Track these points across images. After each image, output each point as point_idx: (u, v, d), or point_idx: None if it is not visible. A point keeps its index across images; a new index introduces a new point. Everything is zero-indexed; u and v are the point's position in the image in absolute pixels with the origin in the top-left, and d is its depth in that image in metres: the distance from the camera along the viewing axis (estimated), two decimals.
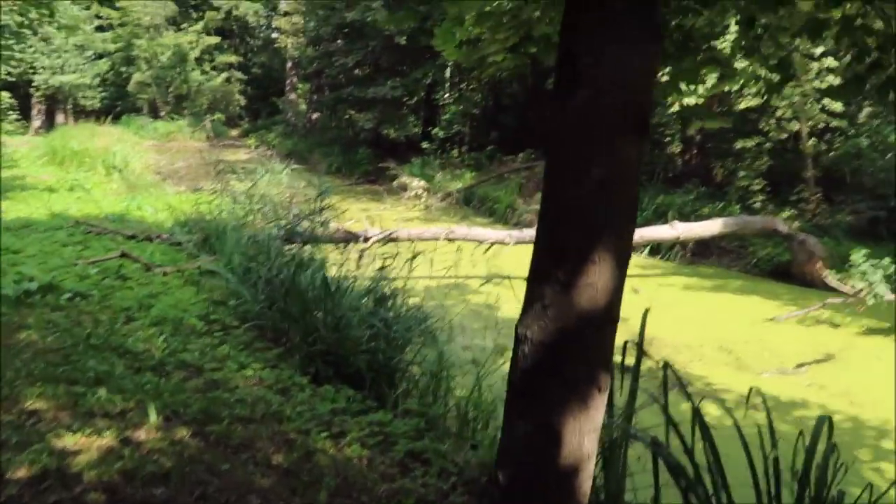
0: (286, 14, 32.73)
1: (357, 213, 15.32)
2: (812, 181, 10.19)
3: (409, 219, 14.64)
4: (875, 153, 9.83)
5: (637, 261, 10.92)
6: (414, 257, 5.45)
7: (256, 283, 6.09)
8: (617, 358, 6.90)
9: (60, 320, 4.99)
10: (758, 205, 10.87)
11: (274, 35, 36.73)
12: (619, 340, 7.74)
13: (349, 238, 8.71)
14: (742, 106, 9.79)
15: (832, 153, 10.12)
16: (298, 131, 33.63)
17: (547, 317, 1.91)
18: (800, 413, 5.41)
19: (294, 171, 25.97)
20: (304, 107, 38.46)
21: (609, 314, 1.98)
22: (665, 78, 3.53)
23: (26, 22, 10.76)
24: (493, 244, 9.05)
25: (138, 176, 16.02)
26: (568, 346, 1.92)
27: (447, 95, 19.40)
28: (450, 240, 9.03)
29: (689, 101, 10.09)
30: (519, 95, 22.35)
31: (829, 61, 9.30)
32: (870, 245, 9.48)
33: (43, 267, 6.45)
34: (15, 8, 9.69)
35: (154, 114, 39.70)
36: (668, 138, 17.17)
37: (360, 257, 7.52)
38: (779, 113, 10.03)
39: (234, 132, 43.90)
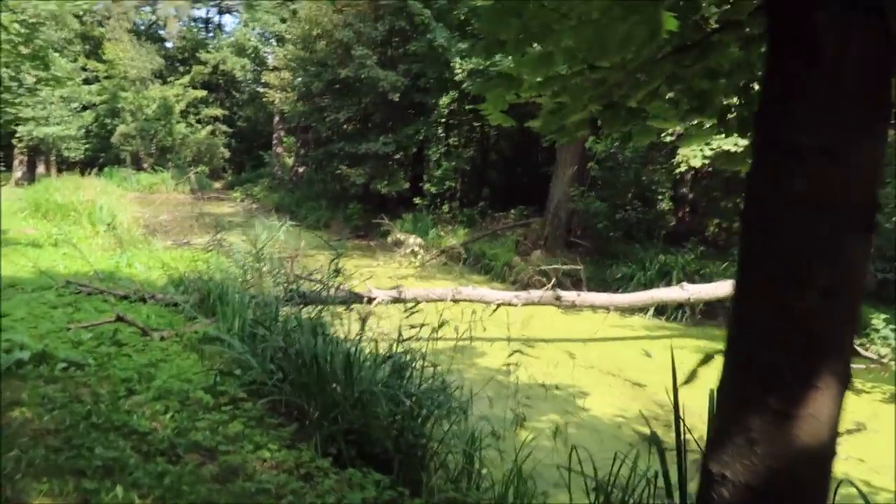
0: (275, 69, 32.98)
1: (351, 269, 15.02)
2: None
3: (405, 276, 14.37)
4: (880, 216, 9.85)
5: (644, 322, 10.72)
6: (440, 326, 5.14)
7: (264, 350, 5.74)
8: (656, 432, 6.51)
9: (57, 395, 4.58)
10: None
11: (261, 89, 36.87)
12: (635, 406, 7.36)
13: (353, 299, 8.39)
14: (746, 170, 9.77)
15: None
16: (285, 185, 33.48)
17: (755, 454, 1.58)
18: (845, 490, 5.10)
19: (283, 225, 25.65)
20: (290, 160, 38.48)
21: (832, 449, 1.65)
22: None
23: (21, 75, 10.57)
24: (499, 305, 8.80)
25: (125, 230, 15.61)
26: (783, 489, 1.57)
27: (439, 151, 19.40)
28: (456, 301, 8.75)
29: (695, 162, 10.11)
30: (505, 151, 22.51)
31: None
32: (880, 307, 9.38)
33: (33, 332, 6.04)
34: (10, 62, 9.49)
35: (137, 166, 39.47)
36: (659, 196, 17.26)
37: (366, 319, 7.23)
38: None
39: (218, 185, 43.74)
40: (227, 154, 43.58)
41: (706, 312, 10.49)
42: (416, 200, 19.25)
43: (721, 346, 7.92)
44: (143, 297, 8.23)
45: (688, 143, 3.78)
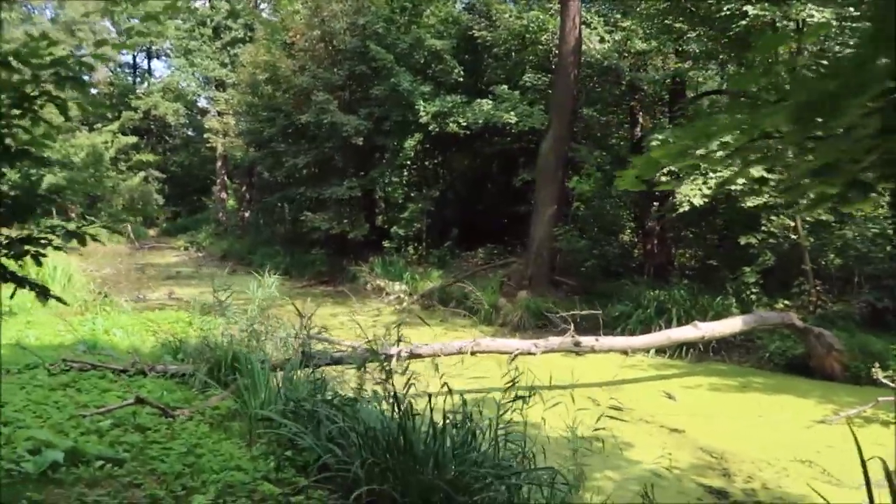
0: (220, 114, 32.18)
1: (327, 318, 14.46)
2: (811, 274, 10.45)
3: (389, 323, 13.91)
4: (861, 245, 10.26)
5: (649, 361, 10.67)
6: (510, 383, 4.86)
7: (318, 428, 5.30)
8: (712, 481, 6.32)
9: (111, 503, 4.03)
10: (753, 297, 11.01)
11: (194, 133, 35.81)
12: (683, 454, 7.18)
13: (369, 358, 7.97)
14: (749, 204, 10.06)
15: (824, 246, 10.49)
16: (231, 231, 32.41)
17: None
18: None
19: (235, 274, 24.69)
20: (232, 205, 37.41)
21: None
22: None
23: None
24: (517, 354, 8.56)
25: (80, 290, 14.57)
26: None
27: (403, 193, 19.18)
28: (474, 353, 8.47)
29: (696, 201, 10.26)
30: (469, 192, 22.49)
31: None
32: (880, 334, 9.68)
33: (46, 424, 5.38)
34: None
35: (65, 216, 37.48)
36: (628, 231, 17.55)
37: (388, 378, 6.85)
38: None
39: (152, 232, 42.07)
40: (161, 201, 42.03)
41: (708, 349, 10.57)
42: (385, 244, 18.89)
43: (731, 381, 7.95)
44: (143, 369, 7.56)
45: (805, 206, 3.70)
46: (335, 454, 4.91)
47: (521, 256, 15.82)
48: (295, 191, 20.83)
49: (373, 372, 7.05)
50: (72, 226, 2.85)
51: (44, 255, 2.79)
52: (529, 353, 8.61)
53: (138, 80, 48.24)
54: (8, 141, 2.66)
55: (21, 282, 2.77)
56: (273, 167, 22.18)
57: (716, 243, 14.00)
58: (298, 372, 6.96)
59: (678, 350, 10.51)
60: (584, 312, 10.28)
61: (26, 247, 2.66)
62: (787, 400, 8.64)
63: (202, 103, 43.32)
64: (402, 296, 14.67)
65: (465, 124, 17.20)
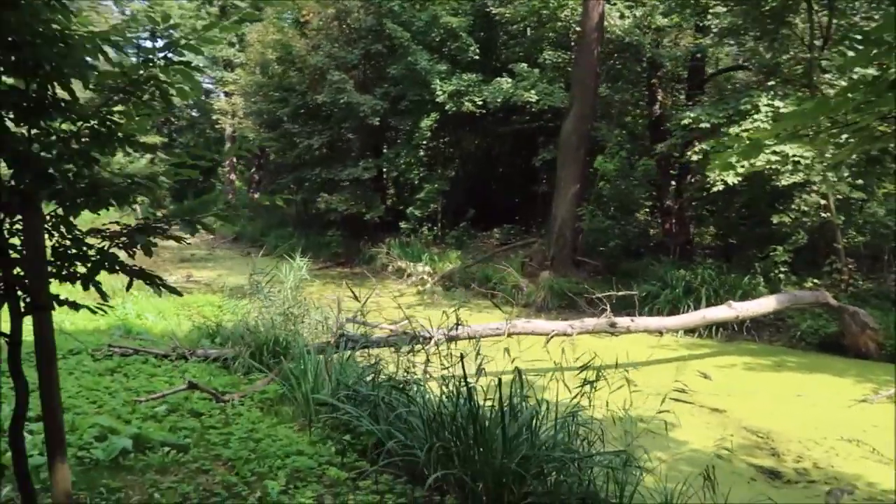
0: (228, 95, 31.95)
1: (349, 301, 14.45)
2: (843, 252, 10.39)
3: (411, 304, 13.93)
4: (892, 222, 10.20)
5: (679, 341, 10.65)
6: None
7: (374, 412, 5.30)
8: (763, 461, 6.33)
9: (188, 490, 4.05)
10: (781, 276, 10.97)
11: (212, 116, 35.54)
12: (723, 433, 7.15)
13: (408, 341, 7.97)
14: (784, 183, 9.97)
15: (856, 224, 10.43)
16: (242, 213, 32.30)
17: None
18: None
19: (249, 256, 24.68)
20: (241, 186, 37.31)
21: None
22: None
23: None
24: (553, 335, 8.57)
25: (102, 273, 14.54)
26: None
27: (420, 174, 19.08)
28: (510, 335, 8.46)
29: (731, 180, 10.18)
30: (477, 172, 22.35)
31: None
32: None
33: (106, 410, 5.40)
34: None
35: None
36: (646, 209, 17.45)
37: (428, 361, 6.85)
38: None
39: (159, 214, 41.91)
40: (168, 183, 41.67)
41: (738, 328, 10.55)
42: (402, 224, 18.84)
43: (765, 361, 7.89)
44: (184, 354, 7.59)
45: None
46: (396, 438, 4.92)
47: (542, 237, 15.76)
48: (308, 172, 20.70)
49: (412, 354, 7.09)
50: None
51: (154, 245, 2.77)
52: (565, 335, 8.60)
53: (141, 59, 47.79)
54: (113, 126, 2.63)
55: (135, 273, 2.75)
56: (286, 148, 22.04)
57: (737, 222, 13.91)
58: (340, 355, 6.97)
59: (708, 330, 10.49)
60: (620, 293, 10.27)
61: (145, 236, 2.64)
62: (823, 379, 8.64)
63: (206, 84, 42.92)
64: (425, 277, 14.65)
65: (481, 103, 17.04)
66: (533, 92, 15.58)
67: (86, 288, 2.79)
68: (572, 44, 16.84)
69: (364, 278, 17.38)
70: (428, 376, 5.98)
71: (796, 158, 9.48)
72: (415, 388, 5.49)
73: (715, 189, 10.28)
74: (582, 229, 14.00)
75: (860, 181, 10.14)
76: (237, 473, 4.40)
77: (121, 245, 2.67)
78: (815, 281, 10.89)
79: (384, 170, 19.80)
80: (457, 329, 8.59)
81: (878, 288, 10.14)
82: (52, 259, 2.70)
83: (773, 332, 10.46)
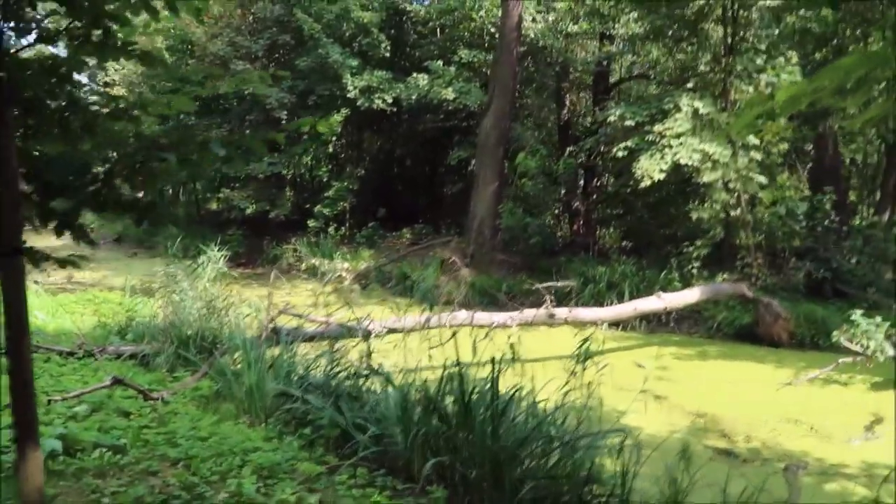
0: (108, 84, 29.50)
1: (261, 300, 13.61)
2: (753, 248, 10.96)
3: (328, 303, 13.29)
4: (795, 219, 10.92)
5: (604, 334, 10.77)
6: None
7: (337, 402, 4.85)
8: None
9: (140, 493, 3.45)
10: (694, 272, 11.43)
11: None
12: (670, 418, 7.25)
13: (349, 333, 7.49)
14: (706, 179, 10.37)
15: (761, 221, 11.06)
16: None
17: None
18: None
19: (136, 257, 22.99)
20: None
21: None
22: None
23: None
24: (493, 327, 8.38)
25: None
26: None
27: (328, 171, 18.47)
28: (452, 326, 8.17)
29: (656, 175, 10.47)
30: (387, 171, 22.02)
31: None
32: (820, 303, 10.32)
33: None
34: None
35: None
36: (556, 209, 17.82)
37: (370, 353, 6.47)
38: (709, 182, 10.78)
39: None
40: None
41: (658, 321, 10.86)
42: (311, 223, 18.10)
43: (689, 350, 8.11)
44: (92, 351, 6.69)
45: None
46: (365, 429, 4.51)
47: (458, 235, 15.65)
48: (206, 168, 19.45)
49: (348, 348, 6.66)
50: None
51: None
52: (506, 326, 8.45)
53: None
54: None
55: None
56: (182, 142, 20.60)
57: (645, 222, 14.41)
58: (282, 347, 6.43)
59: (630, 324, 10.71)
60: (560, 284, 10.27)
61: None
62: (746, 366, 9.02)
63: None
64: (343, 274, 14.08)
65: (391, 101, 16.76)
66: (450, 90, 15.46)
67: None
68: (486, 45, 16.94)
69: (268, 279, 16.48)
70: (381, 367, 5.59)
71: (715, 157, 9.93)
72: (379, 378, 5.09)
73: (642, 185, 10.57)
74: (500, 227, 14.00)
75: (765, 180, 10.78)
76: (194, 473, 3.82)
77: None
78: (725, 276, 11.43)
79: (293, 166, 18.97)
80: (395, 322, 8.25)
81: (787, 281, 10.78)
82: None
83: (692, 323, 10.86)
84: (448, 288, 13.44)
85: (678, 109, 10.39)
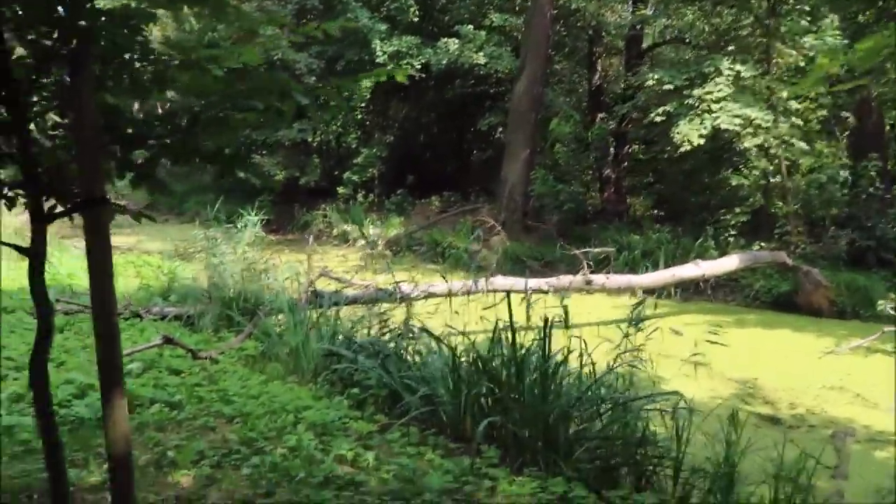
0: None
1: (300, 265, 13.75)
2: (793, 215, 10.74)
3: (359, 269, 13.38)
4: (835, 187, 10.66)
5: (634, 301, 10.70)
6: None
7: (384, 363, 4.88)
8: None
9: (201, 448, 3.51)
10: (731, 240, 11.27)
11: None
12: (712, 385, 7.19)
13: (386, 297, 7.54)
14: (747, 145, 10.14)
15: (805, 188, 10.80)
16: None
17: None
18: None
19: (168, 223, 23.29)
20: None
21: None
22: None
23: None
24: (530, 294, 8.35)
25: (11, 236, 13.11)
26: None
27: (357, 138, 18.39)
28: (489, 292, 8.17)
29: (695, 140, 10.27)
30: (416, 137, 21.88)
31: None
32: (862, 272, 10.12)
33: (72, 367, 4.70)
34: None
35: None
36: (586, 177, 17.61)
37: (410, 317, 6.49)
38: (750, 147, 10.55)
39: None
40: None
41: (694, 289, 10.73)
42: (340, 189, 18.11)
43: (727, 318, 7.89)
44: (138, 312, 6.81)
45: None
46: (415, 390, 4.53)
47: (489, 202, 15.55)
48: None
49: (388, 312, 6.68)
50: None
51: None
52: (542, 291, 8.42)
53: None
54: None
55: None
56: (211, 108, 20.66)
57: (679, 189, 14.18)
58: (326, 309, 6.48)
59: (665, 291, 10.59)
60: (598, 250, 10.17)
61: None
62: (785, 334, 8.91)
63: None
64: (376, 240, 14.10)
65: (420, 67, 16.56)
66: (481, 55, 15.22)
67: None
68: (517, 7, 16.62)
69: (301, 245, 16.62)
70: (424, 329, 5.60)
71: (757, 122, 9.68)
72: (428, 340, 5.10)
73: (681, 150, 10.37)
74: (532, 194, 13.88)
75: (806, 146, 10.52)
76: (251, 429, 3.88)
77: None
78: (762, 244, 11.24)
79: (321, 133, 18.93)
80: (432, 287, 8.27)
81: (822, 250, 10.57)
82: None
83: (728, 292, 10.73)
84: (480, 255, 13.42)
85: (719, 73, 10.13)
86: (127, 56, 2.39)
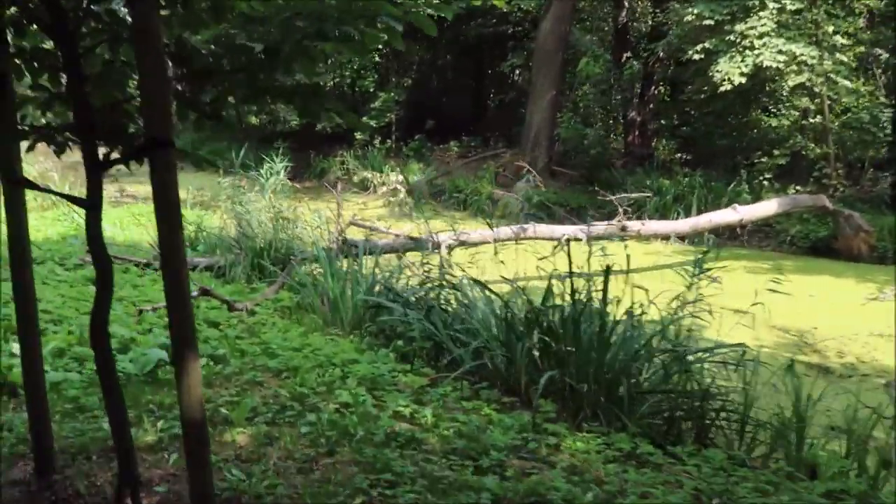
0: None
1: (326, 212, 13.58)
2: (833, 157, 10.35)
3: (381, 217, 13.17)
4: (876, 128, 10.23)
5: (670, 248, 10.46)
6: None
7: (429, 315, 4.73)
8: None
9: (254, 404, 3.40)
10: (765, 184, 10.92)
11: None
12: (763, 335, 6.97)
13: (418, 246, 7.36)
14: (791, 83, 9.70)
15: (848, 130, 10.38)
16: None
17: None
18: None
19: (183, 171, 23.07)
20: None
21: None
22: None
23: None
24: (568, 241, 8.15)
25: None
26: None
27: (374, 82, 17.93)
28: (521, 240, 7.97)
29: (736, 79, 9.83)
30: (434, 81, 21.35)
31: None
32: None
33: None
34: None
35: None
36: (611, 121, 17.14)
37: (442, 266, 6.32)
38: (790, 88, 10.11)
39: None
40: None
41: (726, 235, 10.46)
42: (357, 136, 17.76)
43: (763, 265, 7.54)
44: None
45: None
46: (462, 342, 4.39)
47: (511, 147, 15.18)
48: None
49: (421, 261, 6.50)
50: None
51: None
52: (576, 239, 8.19)
53: None
54: None
55: None
56: (227, 54, 20.17)
57: (706, 131, 13.73)
58: (345, 261, 6.30)
59: (695, 237, 10.34)
60: (634, 195, 9.87)
61: None
62: (825, 280, 8.69)
63: None
64: (398, 187, 13.85)
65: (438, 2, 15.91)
66: None
67: None
68: None
69: (319, 192, 16.40)
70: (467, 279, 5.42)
71: (803, 58, 9.21)
72: (472, 291, 4.92)
73: (721, 89, 9.93)
74: (558, 137, 13.49)
75: (851, 85, 10.05)
76: (301, 384, 3.76)
77: None
78: (798, 188, 10.91)
79: (337, 77, 18.48)
80: (464, 234, 8.07)
81: (862, 193, 10.24)
82: None
83: (762, 237, 10.47)
84: (503, 201, 13.17)
85: (763, 6, 9.58)
86: None
